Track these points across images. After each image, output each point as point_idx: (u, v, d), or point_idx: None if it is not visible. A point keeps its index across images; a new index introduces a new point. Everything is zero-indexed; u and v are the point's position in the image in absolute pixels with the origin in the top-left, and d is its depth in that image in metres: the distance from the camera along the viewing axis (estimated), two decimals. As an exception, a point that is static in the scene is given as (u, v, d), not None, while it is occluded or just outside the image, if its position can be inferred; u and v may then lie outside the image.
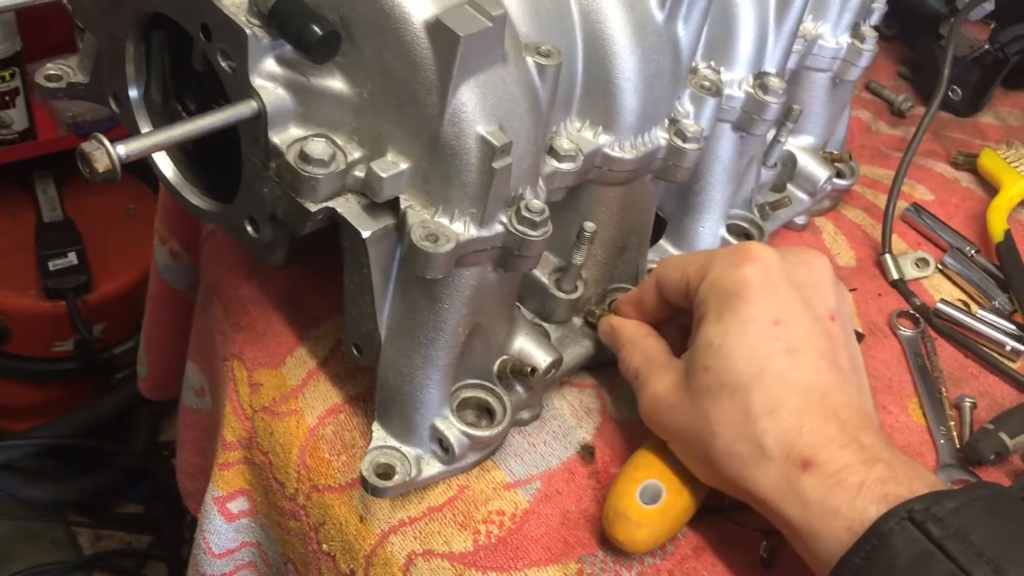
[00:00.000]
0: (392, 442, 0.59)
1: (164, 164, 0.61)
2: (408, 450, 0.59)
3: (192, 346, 0.82)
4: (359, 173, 0.52)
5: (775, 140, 0.75)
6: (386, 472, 0.58)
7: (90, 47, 0.61)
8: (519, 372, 0.61)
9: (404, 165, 0.52)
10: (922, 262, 0.81)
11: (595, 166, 0.61)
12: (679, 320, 0.61)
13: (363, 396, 0.65)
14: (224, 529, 0.69)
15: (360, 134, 0.53)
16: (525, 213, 0.53)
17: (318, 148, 0.51)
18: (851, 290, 0.77)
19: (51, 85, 0.63)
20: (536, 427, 0.65)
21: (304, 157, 0.51)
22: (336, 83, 0.52)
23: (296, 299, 0.71)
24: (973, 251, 0.82)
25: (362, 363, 0.59)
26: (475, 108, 0.50)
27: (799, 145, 0.81)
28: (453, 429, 0.59)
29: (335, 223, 0.53)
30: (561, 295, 0.65)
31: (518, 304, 0.65)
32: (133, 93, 0.60)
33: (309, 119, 0.52)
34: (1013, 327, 0.76)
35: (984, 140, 0.96)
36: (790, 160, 0.81)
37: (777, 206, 0.79)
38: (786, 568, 0.58)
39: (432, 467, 0.59)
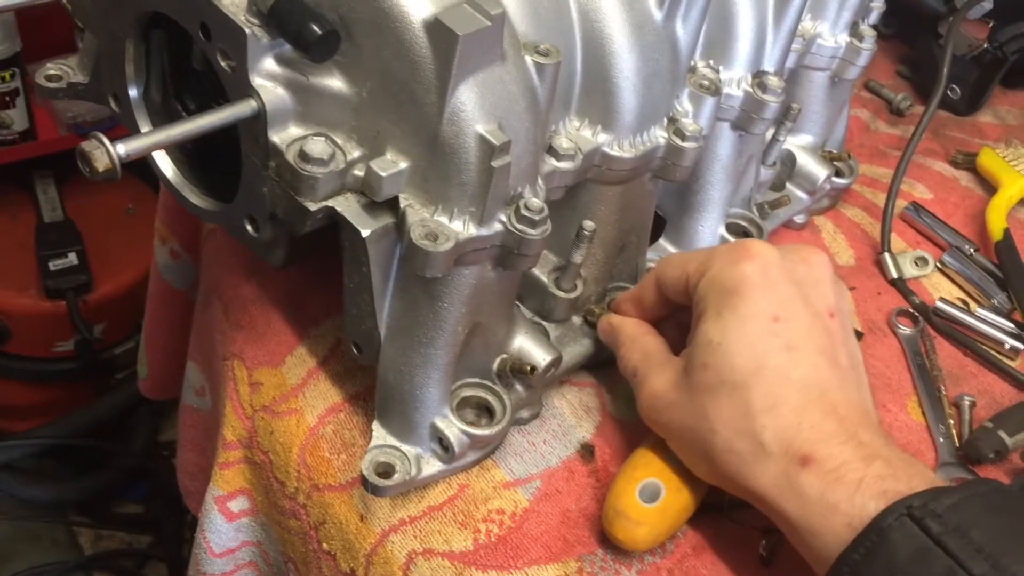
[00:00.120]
0: (392, 441, 0.59)
1: (164, 163, 0.61)
2: (408, 449, 0.59)
3: (192, 346, 0.82)
4: (358, 172, 0.52)
5: (774, 139, 0.75)
6: (386, 471, 0.58)
7: (90, 47, 0.61)
8: (519, 371, 0.61)
9: (403, 164, 0.52)
10: (921, 261, 0.81)
11: (594, 165, 0.61)
12: (678, 318, 0.61)
13: (363, 395, 0.65)
14: (224, 528, 0.69)
15: (359, 133, 0.53)
16: (524, 212, 0.53)
17: (317, 147, 0.51)
18: (850, 289, 0.77)
19: (51, 85, 0.63)
20: (536, 426, 0.65)
21: (303, 156, 0.51)
22: (335, 82, 0.52)
23: (296, 298, 0.71)
24: (972, 250, 0.82)
25: (362, 362, 0.59)
26: (474, 107, 0.50)
27: (798, 144, 0.81)
28: (453, 428, 0.59)
29: (334, 222, 0.53)
30: (560, 294, 0.65)
31: (517, 303, 0.65)
32: (133, 93, 0.60)
33: (308, 118, 0.53)
34: (1012, 325, 0.76)
35: (983, 139, 0.96)
36: (789, 159, 0.81)
37: (776, 205, 0.79)
38: (785, 566, 0.58)
39: (432, 466, 0.59)
